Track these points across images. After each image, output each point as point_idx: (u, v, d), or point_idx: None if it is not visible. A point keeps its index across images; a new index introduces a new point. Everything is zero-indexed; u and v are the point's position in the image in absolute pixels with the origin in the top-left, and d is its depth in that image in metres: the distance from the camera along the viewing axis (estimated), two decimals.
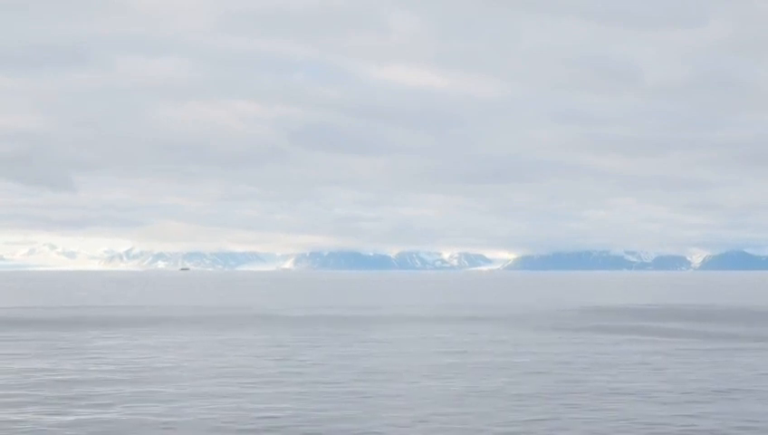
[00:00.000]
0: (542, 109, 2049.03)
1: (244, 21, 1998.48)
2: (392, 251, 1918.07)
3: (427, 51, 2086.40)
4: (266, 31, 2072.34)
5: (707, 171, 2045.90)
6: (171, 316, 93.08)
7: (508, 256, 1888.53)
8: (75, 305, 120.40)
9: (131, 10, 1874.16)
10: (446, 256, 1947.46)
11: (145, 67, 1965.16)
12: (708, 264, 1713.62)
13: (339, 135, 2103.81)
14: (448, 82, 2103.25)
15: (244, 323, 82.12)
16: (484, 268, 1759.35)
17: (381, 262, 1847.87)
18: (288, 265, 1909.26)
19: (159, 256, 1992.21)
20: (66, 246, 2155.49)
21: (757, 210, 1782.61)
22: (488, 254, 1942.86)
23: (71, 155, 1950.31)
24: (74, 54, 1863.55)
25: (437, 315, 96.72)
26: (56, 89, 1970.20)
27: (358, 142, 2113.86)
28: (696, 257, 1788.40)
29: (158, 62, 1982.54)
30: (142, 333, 69.80)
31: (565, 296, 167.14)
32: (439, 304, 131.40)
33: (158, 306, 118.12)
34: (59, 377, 42.33)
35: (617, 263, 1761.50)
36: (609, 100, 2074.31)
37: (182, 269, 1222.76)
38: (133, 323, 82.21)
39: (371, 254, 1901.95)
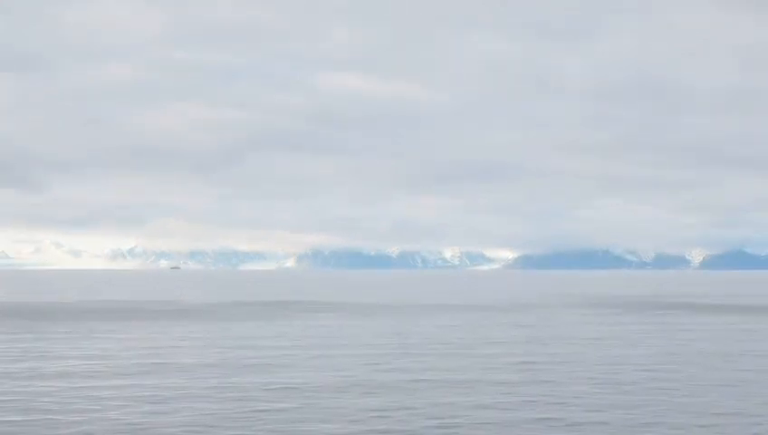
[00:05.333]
0: (497, 114, 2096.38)
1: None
2: (393, 250, 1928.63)
3: (366, 59, 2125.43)
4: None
5: (708, 170, 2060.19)
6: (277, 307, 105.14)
7: (509, 254, 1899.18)
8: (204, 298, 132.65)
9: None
10: (447, 254, 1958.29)
11: (111, 72, 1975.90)
12: (708, 263, 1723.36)
13: (321, 139, 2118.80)
14: (398, 89, 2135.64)
15: (369, 312, 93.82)
16: (485, 267, 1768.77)
17: (383, 261, 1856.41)
18: (290, 263, 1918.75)
19: (162, 255, 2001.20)
20: (72, 244, 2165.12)
21: (756, 209, 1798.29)
22: (488, 253, 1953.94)
23: (53, 156, 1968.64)
24: (35, 62, 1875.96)
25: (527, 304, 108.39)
26: (40, 90, 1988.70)
27: (343, 145, 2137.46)
28: (696, 256, 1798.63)
29: (132, 67, 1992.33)
30: (309, 318, 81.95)
31: (598, 290, 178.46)
32: (500, 297, 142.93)
33: (253, 300, 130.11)
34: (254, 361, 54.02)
35: (617, 262, 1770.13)
36: (568, 104, 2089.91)
37: (172, 268, 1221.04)
38: (277, 313, 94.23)
39: (373, 253, 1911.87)
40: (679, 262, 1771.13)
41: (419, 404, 33.71)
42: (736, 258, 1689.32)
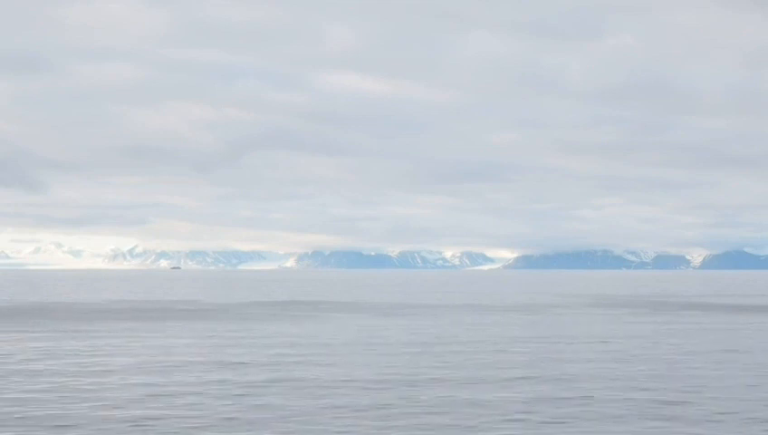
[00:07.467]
0: (496, 114, 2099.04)
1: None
2: (393, 250, 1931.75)
3: (366, 59, 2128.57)
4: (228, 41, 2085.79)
5: (708, 170, 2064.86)
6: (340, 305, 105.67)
7: (509, 254, 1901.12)
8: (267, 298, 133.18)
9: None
10: (447, 254, 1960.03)
11: (111, 72, 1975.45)
12: (708, 263, 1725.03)
13: (321, 139, 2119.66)
14: (397, 89, 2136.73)
15: (387, 312, 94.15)
16: (485, 267, 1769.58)
17: (383, 261, 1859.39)
18: (290, 263, 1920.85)
19: (162, 255, 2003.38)
20: (72, 244, 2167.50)
21: (757, 210, 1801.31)
22: (489, 253, 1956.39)
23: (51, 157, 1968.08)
24: (34, 62, 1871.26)
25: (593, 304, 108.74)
26: (40, 90, 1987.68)
27: (343, 145, 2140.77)
28: (696, 257, 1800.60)
29: (132, 67, 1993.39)
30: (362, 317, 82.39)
31: (604, 291, 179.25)
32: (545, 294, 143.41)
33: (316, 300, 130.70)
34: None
35: (617, 262, 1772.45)
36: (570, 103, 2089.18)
37: (173, 268, 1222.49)
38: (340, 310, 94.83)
39: (373, 253, 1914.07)
40: (679, 262, 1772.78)
41: (494, 399, 33.91)
42: (736, 258, 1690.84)
